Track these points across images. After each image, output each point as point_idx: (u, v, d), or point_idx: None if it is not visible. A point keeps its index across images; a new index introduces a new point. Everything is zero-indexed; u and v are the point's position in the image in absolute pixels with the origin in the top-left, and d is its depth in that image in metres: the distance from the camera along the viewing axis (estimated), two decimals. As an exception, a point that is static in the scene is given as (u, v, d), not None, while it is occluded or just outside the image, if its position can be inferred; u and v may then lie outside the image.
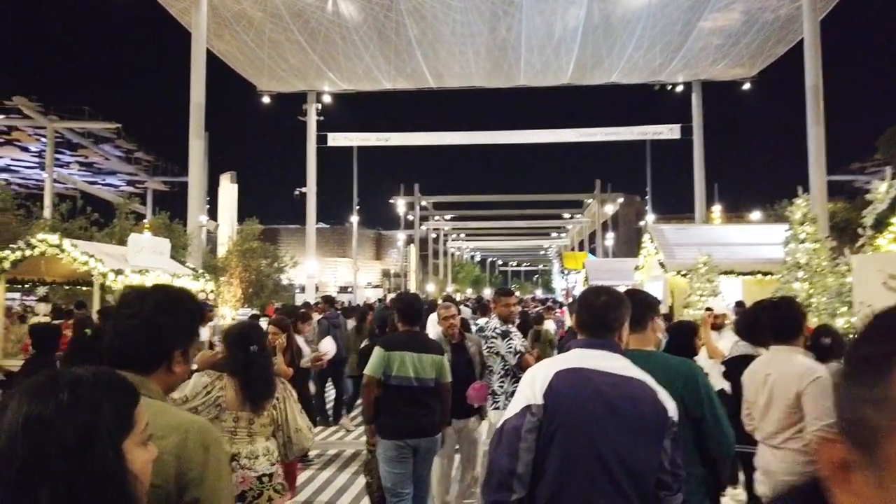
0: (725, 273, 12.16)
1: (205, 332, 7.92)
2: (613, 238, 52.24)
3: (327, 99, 29.41)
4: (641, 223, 58.03)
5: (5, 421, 0.97)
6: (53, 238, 6.56)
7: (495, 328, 5.52)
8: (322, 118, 29.97)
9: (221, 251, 21.82)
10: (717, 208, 29.46)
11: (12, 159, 41.50)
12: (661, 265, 12.85)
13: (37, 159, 40.13)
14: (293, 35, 23.81)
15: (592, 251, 52.07)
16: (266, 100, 28.49)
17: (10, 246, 6.68)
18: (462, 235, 72.44)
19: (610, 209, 51.54)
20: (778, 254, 11.90)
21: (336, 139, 30.26)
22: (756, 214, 33.39)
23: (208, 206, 31.74)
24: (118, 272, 6.46)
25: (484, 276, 79.26)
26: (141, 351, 1.55)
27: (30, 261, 6.57)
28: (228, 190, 26.81)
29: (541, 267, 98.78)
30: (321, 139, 30.03)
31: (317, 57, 25.37)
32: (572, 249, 61.67)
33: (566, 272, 39.49)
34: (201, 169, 18.21)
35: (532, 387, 2.10)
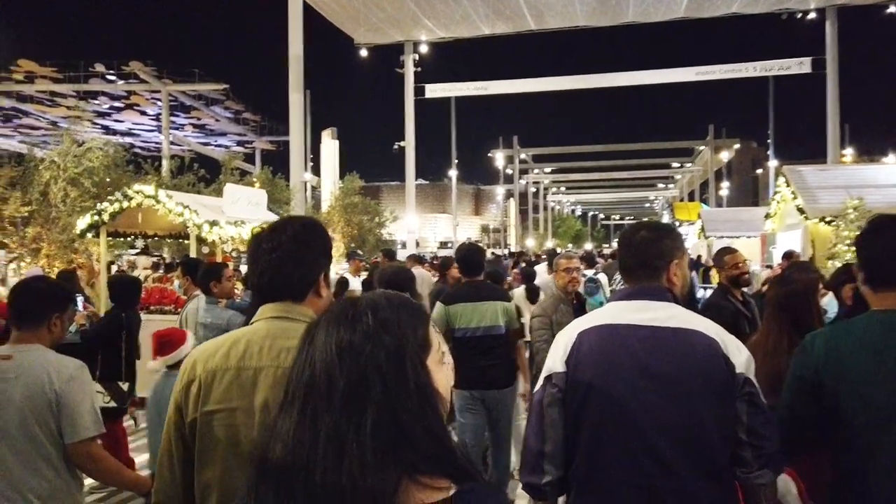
0: (880, 219, 10.55)
1: (356, 282, 7.60)
2: (728, 187, 48.88)
3: (424, 49, 28.66)
4: (759, 171, 53.99)
5: (316, 351, 1.03)
6: (149, 189, 6.41)
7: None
8: (419, 69, 29.33)
9: (325, 207, 21.96)
10: (848, 152, 26.53)
11: (133, 123, 43.95)
12: (801, 211, 11.36)
13: (154, 122, 42.17)
14: (389, -20, 23.12)
15: (704, 201, 49.03)
16: (363, 53, 28.11)
17: (108, 198, 6.64)
18: (562, 188, 70.82)
19: (725, 156, 48.03)
20: (944, 196, 10.34)
21: (434, 90, 29.57)
22: (891, 157, 29.88)
23: (312, 164, 32.22)
24: (213, 223, 6.23)
25: (585, 230, 77.11)
26: (291, 281, 1.63)
27: (128, 213, 6.48)
28: (329, 146, 26.90)
29: (645, 220, 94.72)
30: (418, 91, 29.44)
31: (412, 3, 24.58)
32: (681, 200, 58.52)
33: (678, 224, 37.28)
34: (301, 122, 18.18)
35: (554, 353, 1.87)
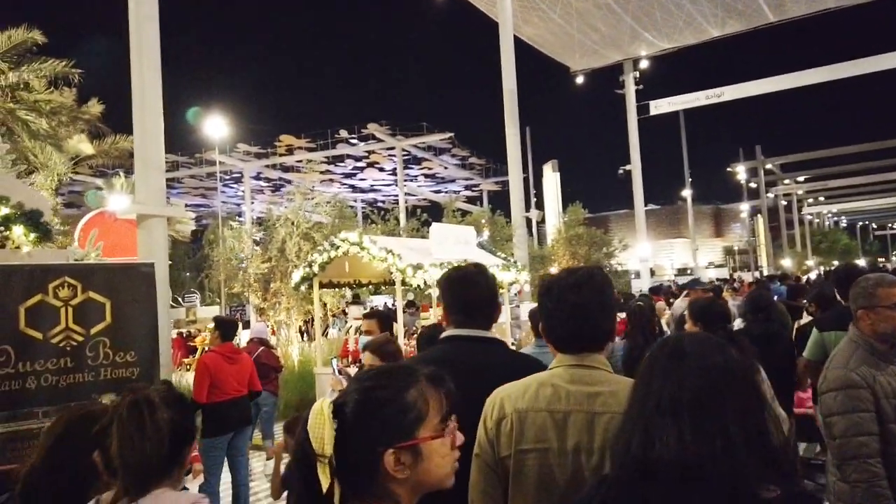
0: None
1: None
2: None
3: (644, 65, 26.90)
4: None
5: (693, 372, 1.23)
6: (353, 236, 6.15)
7: None
8: (640, 87, 27.57)
9: (549, 241, 21.30)
10: None
11: (374, 180, 47.98)
12: None
13: (391, 177, 45.47)
14: (602, -1, 22.08)
15: None
16: (580, 80, 27.26)
17: (318, 248, 6.56)
18: (821, 198, 62.07)
19: None
20: None
21: (659, 106, 27.50)
22: None
23: (535, 199, 31.88)
24: (417, 267, 5.74)
25: (854, 243, 66.37)
26: (596, 333, 1.72)
27: (336, 262, 6.31)
28: (551, 179, 26.30)
29: None
30: (642, 110, 27.61)
31: (629, 17, 23.20)
32: None
33: None
34: (518, 156, 17.80)
35: None
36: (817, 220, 67.25)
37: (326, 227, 10.58)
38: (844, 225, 76.76)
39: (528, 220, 19.74)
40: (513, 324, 8.88)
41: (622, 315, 7.37)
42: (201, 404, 5.13)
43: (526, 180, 21.02)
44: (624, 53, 26.81)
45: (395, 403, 1.13)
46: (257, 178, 42.64)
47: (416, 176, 46.89)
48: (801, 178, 53.69)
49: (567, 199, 25.33)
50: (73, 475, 1.65)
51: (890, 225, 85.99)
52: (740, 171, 45.11)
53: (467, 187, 49.65)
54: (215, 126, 26.78)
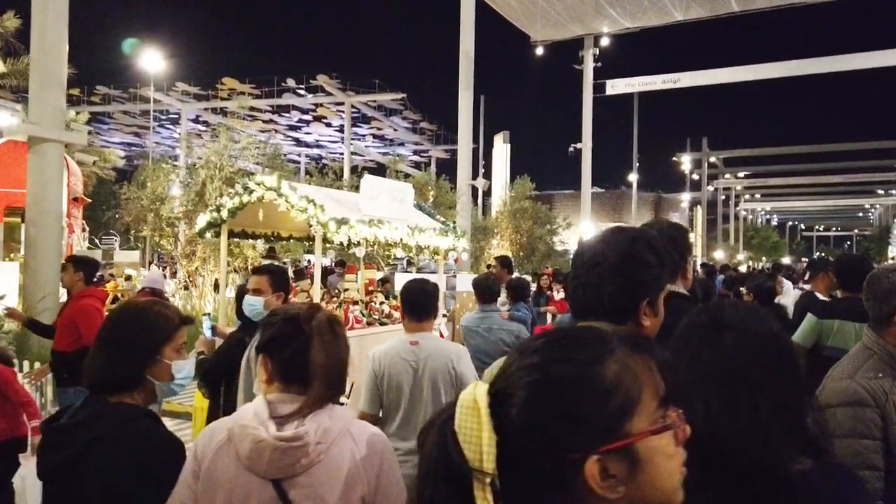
0: None
1: None
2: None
3: (605, 42, 26.43)
4: None
5: (730, 344, 1.19)
6: (271, 180, 5.33)
7: None
8: (599, 65, 27.14)
9: (494, 213, 20.82)
10: None
11: (319, 135, 46.29)
12: None
13: (339, 134, 43.95)
14: (570, -33, 21.38)
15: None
16: (539, 51, 26.58)
17: (229, 191, 5.76)
18: (757, 195, 64.09)
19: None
20: None
21: (616, 86, 27.20)
22: None
23: (483, 170, 31.33)
24: (342, 222, 5.00)
25: (783, 241, 68.99)
26: (605, 302, 1.45)
27: (250, 210, 5.50)
28: (501, 150, 25.73)
29: (856, 232, 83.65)
30: (598, 88, 27.23)
31: (596, -10, 22.61)
32: (909, 209, 49.89)
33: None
34: (469, 121, 17.12)
35: None
36: (751, 217, 69.42)
37: (256, 176, 9.64)
38: (776, 223, 79.64)
39: (474, 190, 19.12)
40: (447, 294, 8.26)
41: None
42: (68, 352, 4.44)
43: (476, 150, 20.45)
44: (586, 28, 26.27)
45: (589, 383, 0.74)
46: (196, 121, 40.42)
47: (364, 135, 45.51)
48: (741, 174, 55.09)
49: (515, 171, 24.85)
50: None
51: (817, 227, 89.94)
52: (685, 162, 45.76)
53: (416, 152, 48.63)
54: (153, 60, 24.92)
